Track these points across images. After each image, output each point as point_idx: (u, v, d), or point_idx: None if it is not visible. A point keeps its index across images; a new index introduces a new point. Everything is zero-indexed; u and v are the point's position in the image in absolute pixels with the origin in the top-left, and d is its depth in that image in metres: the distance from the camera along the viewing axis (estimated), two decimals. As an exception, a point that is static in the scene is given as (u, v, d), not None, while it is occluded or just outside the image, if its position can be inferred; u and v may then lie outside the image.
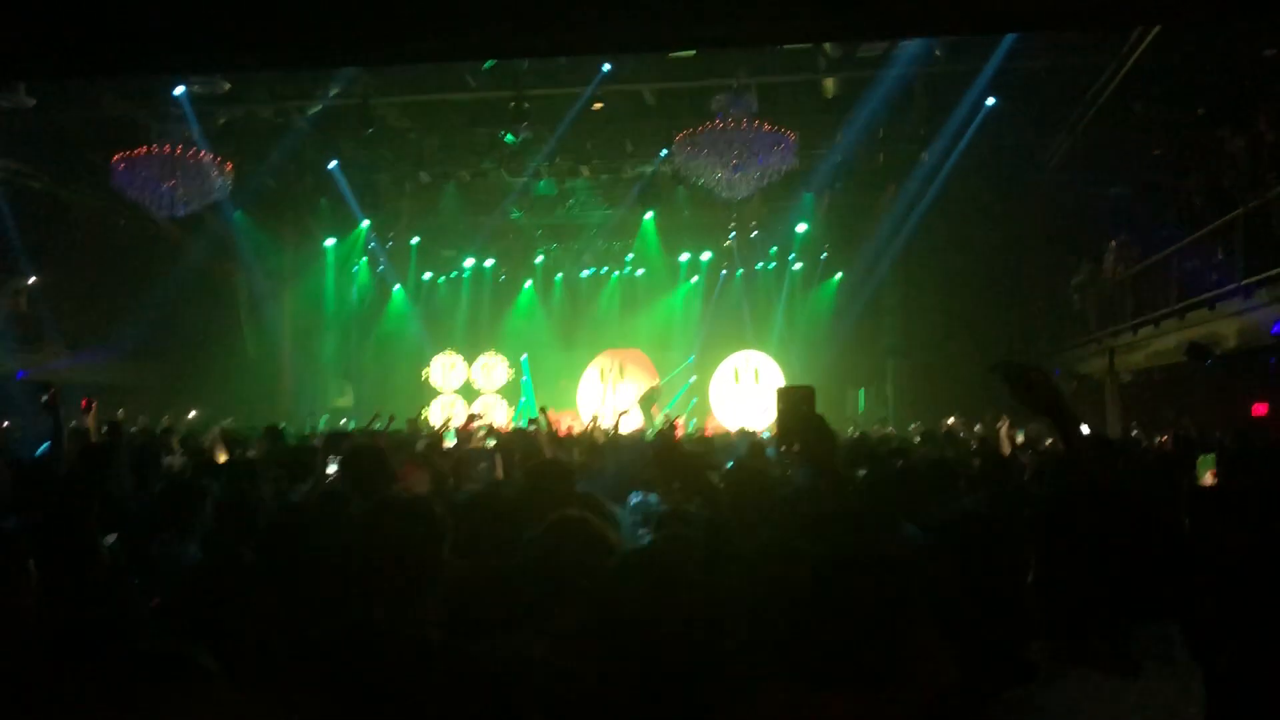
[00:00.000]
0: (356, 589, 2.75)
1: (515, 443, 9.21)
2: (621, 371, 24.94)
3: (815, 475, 2.69)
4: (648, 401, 19.05)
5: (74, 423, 8.77)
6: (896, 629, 2.32)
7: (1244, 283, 11.92)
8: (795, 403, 2.55)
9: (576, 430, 13.40)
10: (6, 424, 14.74)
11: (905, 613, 2.34)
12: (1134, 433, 13.92)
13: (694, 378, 24.60)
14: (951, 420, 14.99)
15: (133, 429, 12.65)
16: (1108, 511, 2.03)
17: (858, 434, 12.65)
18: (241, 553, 4.05)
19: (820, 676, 2.34)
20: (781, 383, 23.43)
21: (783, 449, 2.56)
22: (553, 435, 9.64)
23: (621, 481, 6.56)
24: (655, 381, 22.52)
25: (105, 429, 7.82)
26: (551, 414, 10.12)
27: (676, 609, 2.51)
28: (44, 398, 6.78)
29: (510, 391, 25.58)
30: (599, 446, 9.29)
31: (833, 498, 2.58)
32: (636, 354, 25.12)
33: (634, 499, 5.03)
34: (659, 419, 14.70)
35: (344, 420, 20.39)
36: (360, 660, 2.45)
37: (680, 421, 21.08)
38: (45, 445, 8.35)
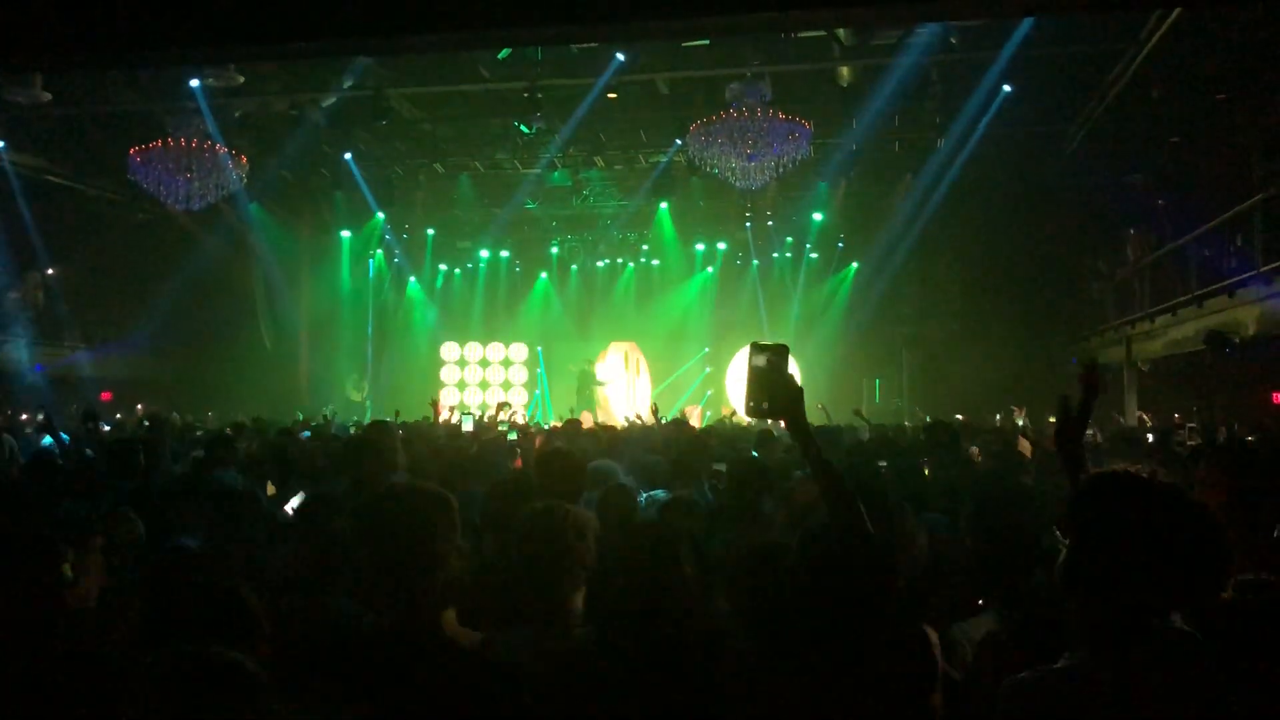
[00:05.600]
0: (361, 581, 2.70)
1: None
2: (638, 367, 24.99)
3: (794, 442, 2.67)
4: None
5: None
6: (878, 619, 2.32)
7: (1263, 270, 11.84)
8: (766, 360, 2.52)
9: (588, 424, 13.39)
10: (25, 415, 14.86)
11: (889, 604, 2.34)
12: (1149, 423, 13.82)
13: (709, 369, 24.59)
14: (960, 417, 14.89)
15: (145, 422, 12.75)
16: (1133, 498, 2.01)
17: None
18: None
19: (804, 667, 2.34)
20: (797, 373, 23.40)
21: (750, 405, 2.48)
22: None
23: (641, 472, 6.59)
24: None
25: (146, 423, 7.91)
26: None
27: (654, 597, 2.49)
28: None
29: (527, 383, 25.66)
30: (619, 435, 9.36)
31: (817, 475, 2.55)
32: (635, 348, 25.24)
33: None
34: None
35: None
36: (364, 657, 2.43)
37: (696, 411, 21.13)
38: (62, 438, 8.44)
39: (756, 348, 2.53)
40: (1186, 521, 1.96)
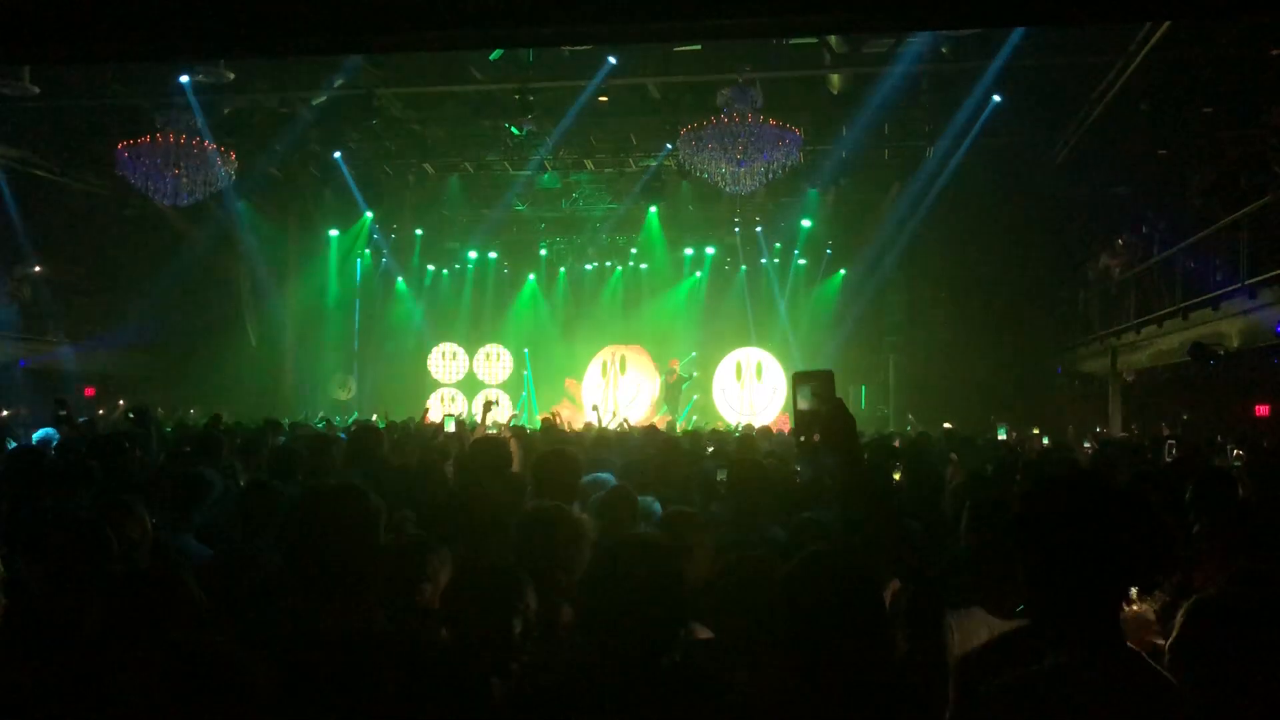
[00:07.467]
0: (292, 583, 2.63)
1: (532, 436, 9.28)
2: (623, 366, 24.92)
3: (829, 470, 2.61)
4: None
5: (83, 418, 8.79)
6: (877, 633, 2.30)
7: (1248, 282, 11.89)
8: (812, 390, 2.39)
9: (576, 425, 13.37)
10: (5, 413, 14.74)
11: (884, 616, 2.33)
12: (1134, 431, 13.89)
13: (696, 373, 24.59)
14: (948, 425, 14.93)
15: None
16: (1075, 500, 2.04)
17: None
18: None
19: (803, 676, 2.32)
20: (783, 379, 23.43)
21: (801, 439, 2.35)
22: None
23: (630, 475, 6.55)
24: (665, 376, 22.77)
25: (131, 415, 7.80)
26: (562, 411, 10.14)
27: (648, 602, 2.45)
28: (61, 412, 6.83)
29: (513, 385, 25.58)
30: (607, 440, 9.36)
31: (861, 494, 2.46)
32: (637, 349, 25.10)
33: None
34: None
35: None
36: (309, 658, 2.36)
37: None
38: (43, 431, 8.38)
39: (801, 377, 2.38)
40: (1121, 510, 2.00)
